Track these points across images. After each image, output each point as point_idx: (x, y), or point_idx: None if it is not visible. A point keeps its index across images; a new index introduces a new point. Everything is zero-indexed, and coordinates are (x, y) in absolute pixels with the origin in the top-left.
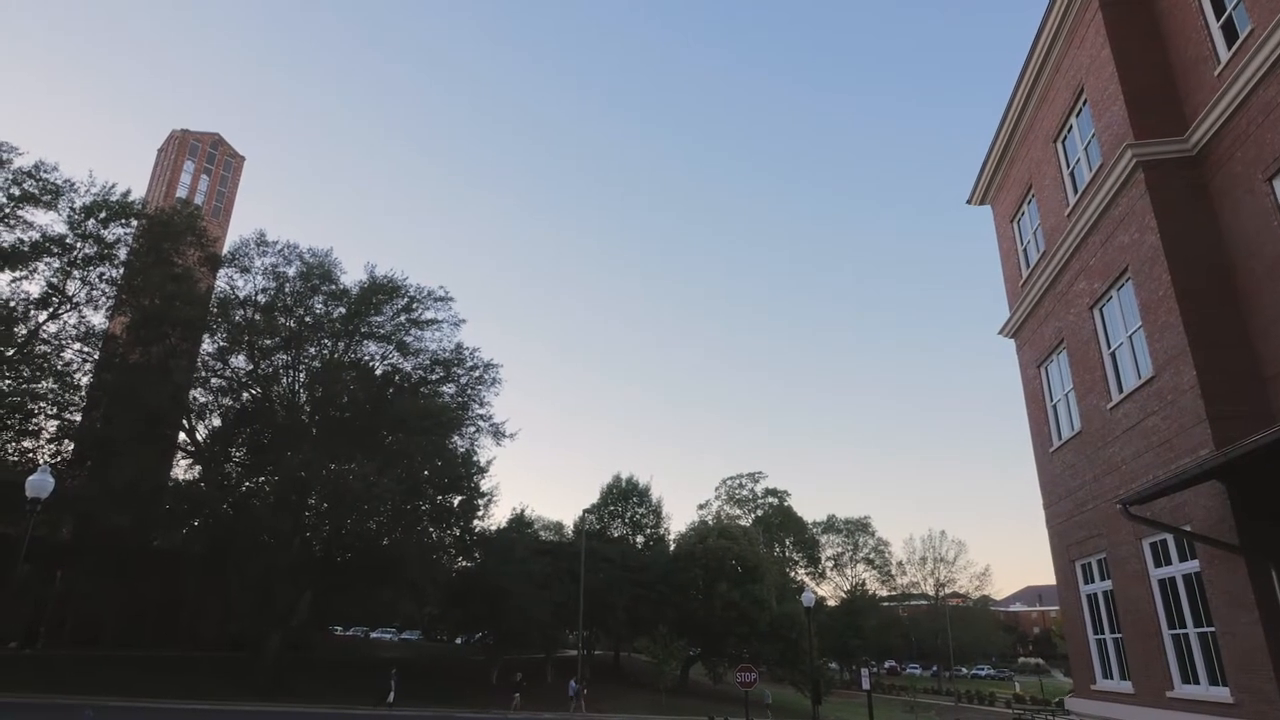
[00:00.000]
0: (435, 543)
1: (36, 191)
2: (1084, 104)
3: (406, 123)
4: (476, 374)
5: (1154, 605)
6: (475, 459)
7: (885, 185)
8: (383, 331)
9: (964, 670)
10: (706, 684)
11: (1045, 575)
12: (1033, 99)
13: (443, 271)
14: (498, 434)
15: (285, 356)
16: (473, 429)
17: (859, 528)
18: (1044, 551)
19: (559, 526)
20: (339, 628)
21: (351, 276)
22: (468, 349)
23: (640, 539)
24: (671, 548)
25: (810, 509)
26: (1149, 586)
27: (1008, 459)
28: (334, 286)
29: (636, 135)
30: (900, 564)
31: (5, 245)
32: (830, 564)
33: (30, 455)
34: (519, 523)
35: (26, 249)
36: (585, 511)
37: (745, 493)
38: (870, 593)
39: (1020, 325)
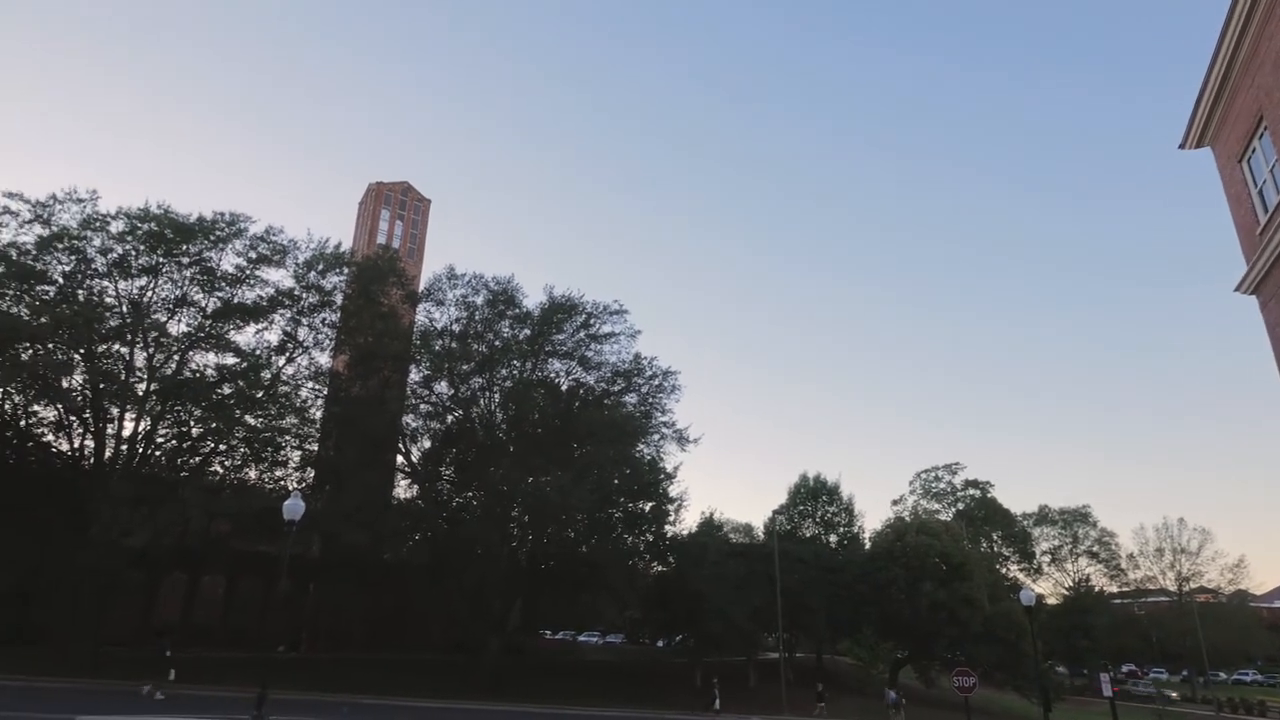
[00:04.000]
0: (630, 548)
1: (268, 253)
2: None
3: (569, 141)
4: (656, 382)
5: None
6: (661, 465)
7: (1052, 164)
8: (565, 348)
9: (1222, 675)
10: (917, 688)
11: None
12: (1254, 18)
13: (615, 282)
14: (681, 440)
15: (480, 380)
16: (657, 436)
17: (1077, 518)
18: None
19: (748, 528)
20: (548, 631)
21: (532, 299)
22: (646, 359)
23: (833, 538)
24: (867, 546)
25: (1017, 500)
26: None
27: (1253, 436)
28: (518, 310)
29: (794, 138)
30: (1131, 556)
31: (249, 302)
32: (1046, 559)
33: (281, 483)
34: (709, 526)
35: (265, 304)
36: (775, 512)
37: (943, 485)
38: (1097, 589)
39: (1262, 279)
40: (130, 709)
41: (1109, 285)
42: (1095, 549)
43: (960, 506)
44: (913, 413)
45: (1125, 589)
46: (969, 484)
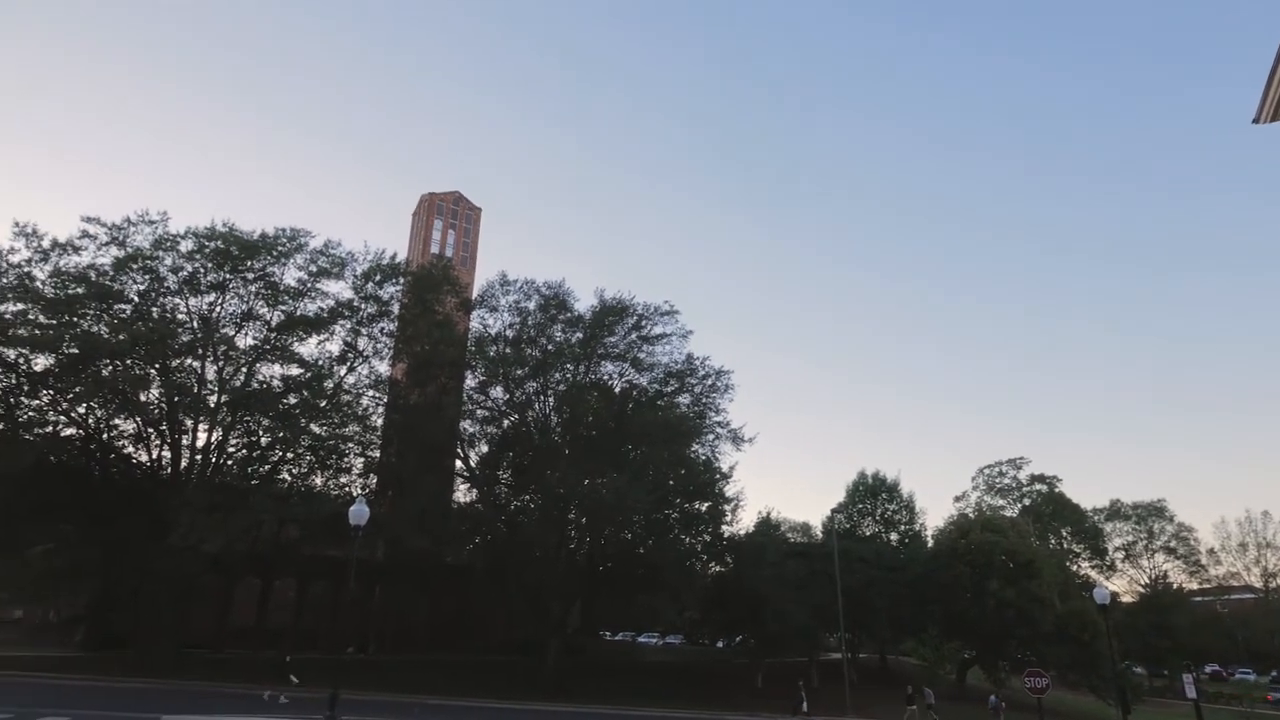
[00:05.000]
0: (688, 549)
1: (328, 266)
2: None
3: (616, 143)
4: (709, 382)
5: None
6: (717, 465)
7: (1113, 153)
8: (617, 351)
9: None
10: (986, 689)
11: None
12: None
13: (666, 283)
14: (736, 439)
15: (534, 384)
16: (711, 436)
17: (1152, 512)
18: None
19: (806, 528)
20: (607, 633)
21: (583, 303)
22: (698, 359)
23: (894, 536)
24: (929, 544)
25: (1086, 496)
26: None
27: None
28: (570, 314)
29: (851, 134)
30: (1211, 552)
31: (310, 314)
32: (1120, 555)
33: (346, 489)
34: (766, 525)
35: (325, 315)
36: (833, 510)
37: (1007, 481)
38: (1176, 586)
39: None
40: (242, 709)
41: (1173, 274)
42: (1172, 544)
43: (1026, 502)
44: (974, 408)
45: (1206, 586)
46: (1035, 479)
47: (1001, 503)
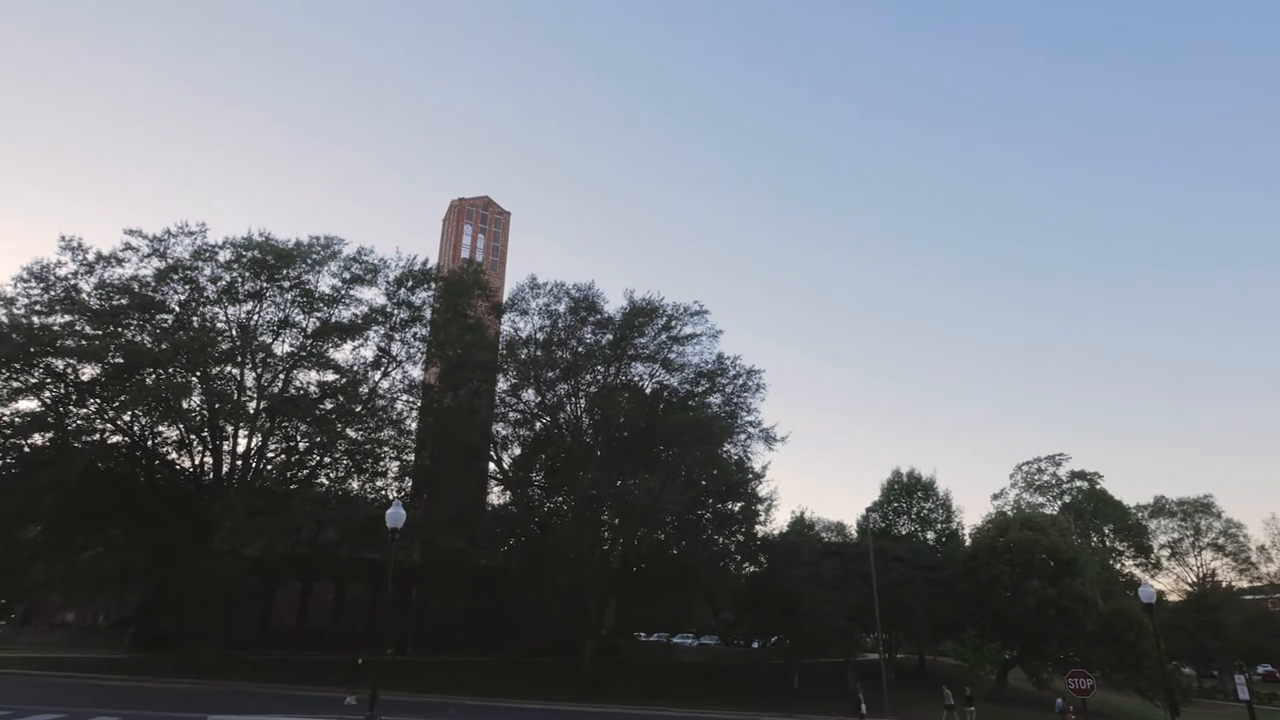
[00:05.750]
0: (721, 549)
1: (361, 273)
2: None
3: (639, 144)
4: (740, 382)
5: None
6: (749, 465)
7: (1155, 148)
8: (647, 352)
9: None
10: (1028, 690)
11: None
12: None
13: (695, 283)
14: (768, 439)
15: (566, 386)
16: (743, 436)
17: (1199, 509)
18: None
19: (840, 527)
20: (642, 634)
21: (613, 304)
22: (729, 358)
23: (930, 535)
24: (967, 543)
25: (1129, 492)
26: None
27: None
28: (599, 316)
29: (878, 135)
30: (1262, 549)
31: (345, 321)
32: (1165, 553)
33: (382, 492)
34: (800, 525)
35: (360, 321)
36: (868, 510)
37: (1046, 478)
38: (1225, 584)
39: None
40: (284, 709)
41: (1210, 269)
42: (1221, 541)
43: (1066, 499)
44: (1012, 405)
45: (1258, 584)
46: (1075, 475)
47: (1041, 500)
